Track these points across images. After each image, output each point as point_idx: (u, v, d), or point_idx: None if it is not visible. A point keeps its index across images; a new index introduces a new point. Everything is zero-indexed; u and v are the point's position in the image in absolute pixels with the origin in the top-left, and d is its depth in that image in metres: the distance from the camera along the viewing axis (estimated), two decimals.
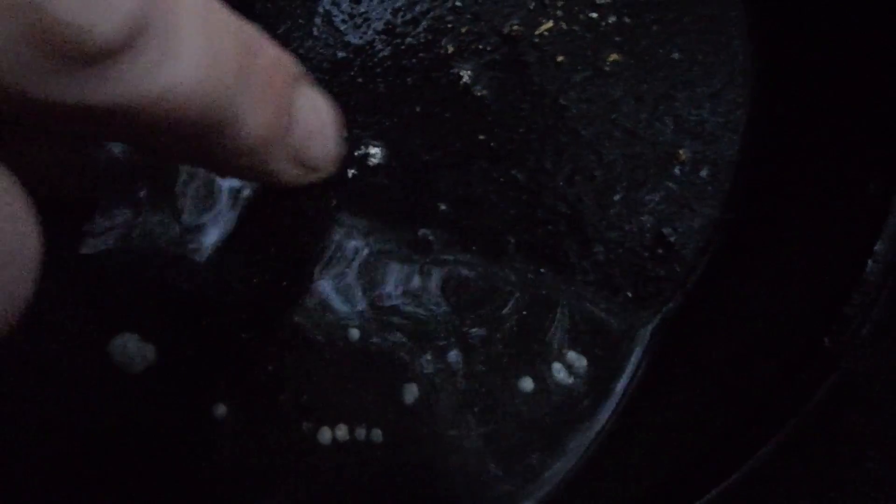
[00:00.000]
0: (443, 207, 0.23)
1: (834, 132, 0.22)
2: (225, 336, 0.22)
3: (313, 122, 0.19)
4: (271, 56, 0.18)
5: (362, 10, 0.24)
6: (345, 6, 0.24)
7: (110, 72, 0.13)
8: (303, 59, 0.24)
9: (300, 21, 0.24)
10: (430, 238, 0.23)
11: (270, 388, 0.22)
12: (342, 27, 0.24)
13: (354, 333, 0.22)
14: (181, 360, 0.22)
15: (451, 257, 0.23)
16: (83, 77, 0.13)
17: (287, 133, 0.18)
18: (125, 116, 0.14)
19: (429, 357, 0.22)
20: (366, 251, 0.23)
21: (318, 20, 0.24)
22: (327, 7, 0.24)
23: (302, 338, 0.22)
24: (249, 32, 0.17)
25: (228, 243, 0.22)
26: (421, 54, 0.24)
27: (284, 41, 0.24)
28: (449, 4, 0.24)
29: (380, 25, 0.24)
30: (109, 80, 0.13)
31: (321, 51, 0.24)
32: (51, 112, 0.13)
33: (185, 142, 0.16)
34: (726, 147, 0.23)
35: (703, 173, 0.23)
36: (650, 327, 0.22)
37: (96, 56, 0.13)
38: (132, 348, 0.22)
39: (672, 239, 0.23)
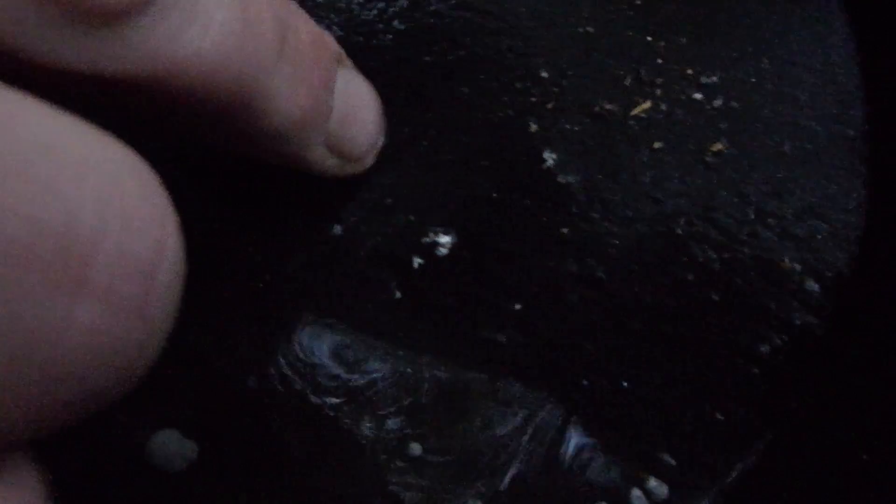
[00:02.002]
0: (517, 307, 0.21)
1: None
2: (271, 434, 0.21)
3: (354, 107, 0.18)
4: (312, 33, 0.16)
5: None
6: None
7: (129, 34, 0.12)
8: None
9: None
10: (503, 341, 0.21)
11: (321, 495, 0.20)
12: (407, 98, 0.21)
13: (416, 448, 0.20)
14: (224, 459, 0.20)
15: (524, 363, 0.20)
16: (98, 39, 0.11)
17: (326, 115, 0.17)
18: (146, 86, 0.13)
19: (497, 477, 0.20)
20: (432, 352, 0.21)
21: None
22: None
23: (355, 440, 0.20)
24: (289, 5, 0.15)
25: (278, 335, 0.21)
26: (500, 132, 0.21)
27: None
28: (533, 76, 0.21)
29: (453, 97, 0.21)
30: (128, 44, 0.12)
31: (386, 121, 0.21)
32: (62, 78, 0.12)
33: (213, 118, 0.15)
34: (838, 257, 0.21)
35: (810, 285, 0.21)
36: (743, 457, 0.20)
37: (114, 15, 0.11)
38: (173, 446, 0.20)
39: (770, 357, 0.20)
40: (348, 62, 0.18)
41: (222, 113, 0.15)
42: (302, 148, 0.17)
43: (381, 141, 0.20)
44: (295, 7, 0.16)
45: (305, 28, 0.16)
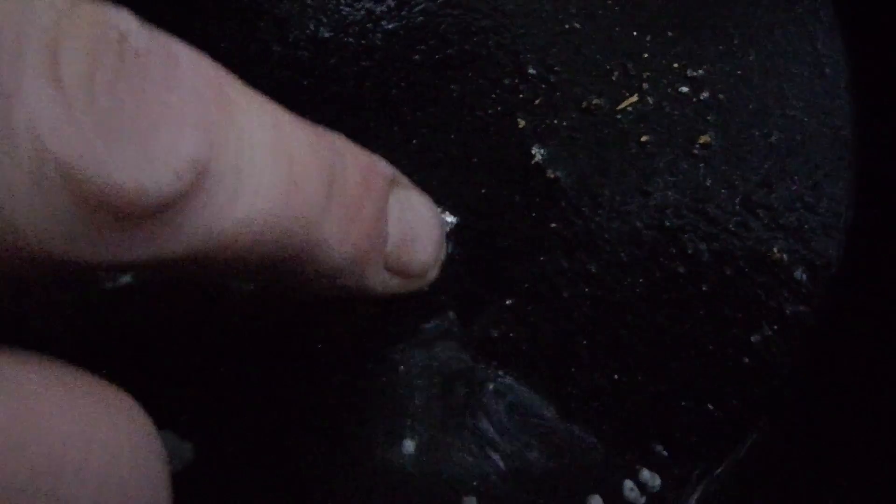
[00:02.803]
0: (508, 302, 0.21)
1: None
2: (267, 433, 0.21)
3: (410, 227, 0.17)
4: (361, 165, 0.16)
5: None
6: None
7: (174, 220, 0.12)
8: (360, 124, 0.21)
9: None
10: (495, 336, 0.21)
11: (319, 495, 0.21)
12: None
13: (409, 445, 0.20)
14: (220, 460, 0.21)
15: (515, 362, 0.21)
16: (144, 231, 0.11)
17: (382, 244, 0.17)
18: (196, 259, 0.13)
19: (489, 469, 0.20)
20: (421, 353, 0.21)
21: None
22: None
23: (349, 440, 0.21)
24: (334, 145, 0.15)
25: (272, 335, 0.21)
26: (489, 129, 0.21)
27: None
28: (522, 73, 0.21)
29: (442, 94, 0.22)
30: (174, 229, 0.12)
31: (373, 119, 0.22)
32: (113, 267, 0.12)
33: (266, 271, 0.15)
34: (827, 246, 0.21)
35: (799, 275, 0.21)
36: (735, 448, 0.20)
37: (156, 210, 0.11)
38: (169, 447, 0.20)
39: (761, 348, 0.21)
40: (403, 180, 0.18)
41: (273, 267, 0.14)
42: (360, 279, 0.17)
43: (443, 253, 0.19)
44: (342, 143, 0.16)
45: (354, 163, 0.16)
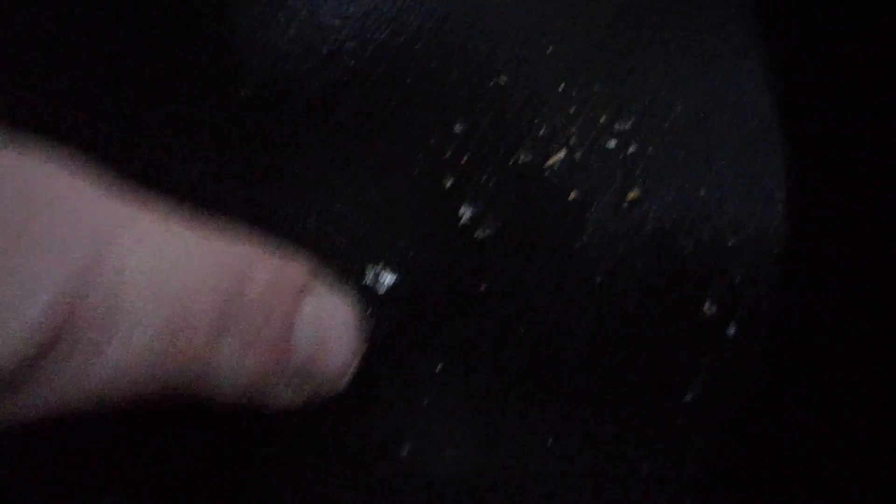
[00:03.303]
0: (439, 367, 0.21)
1: (890, 281, 0.19)
2: (219, 496, 0.20)
3: (322, 337, 0.16)
4: (267, 278, 0.15)
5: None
6: None
7: (27, 384, 0.11)
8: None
9: None
10: (425, 404, 0.20)
11: None
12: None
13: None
14: None
15: (448, 428, 0.20)
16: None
17: (286, 362, 0.15)
18: (68, 409, 0.12)
19: None
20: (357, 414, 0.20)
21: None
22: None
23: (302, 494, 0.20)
24: (236, 262, 0.14)
25: None
26: (416, 190, 0.21)
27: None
28: (448, 131, 0.21)
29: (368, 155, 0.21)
30: (27, 393, 0.11)
31: (298, 181, 0.21)
32: None
33: (155, 401, 0.14)
34: (758, 302, 0.21)
35: (731, 331, 0.20)
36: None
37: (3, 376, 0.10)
38: None
39: (694, 407, 0.20)
40: (317, 283, 0.17)
41: (163, 397, 0.14)
42: (262, 398, 0.16)
43: (356, 360, 0.18)
44: (249, 256, 0.15)
45: (258, 277, 0.15)
